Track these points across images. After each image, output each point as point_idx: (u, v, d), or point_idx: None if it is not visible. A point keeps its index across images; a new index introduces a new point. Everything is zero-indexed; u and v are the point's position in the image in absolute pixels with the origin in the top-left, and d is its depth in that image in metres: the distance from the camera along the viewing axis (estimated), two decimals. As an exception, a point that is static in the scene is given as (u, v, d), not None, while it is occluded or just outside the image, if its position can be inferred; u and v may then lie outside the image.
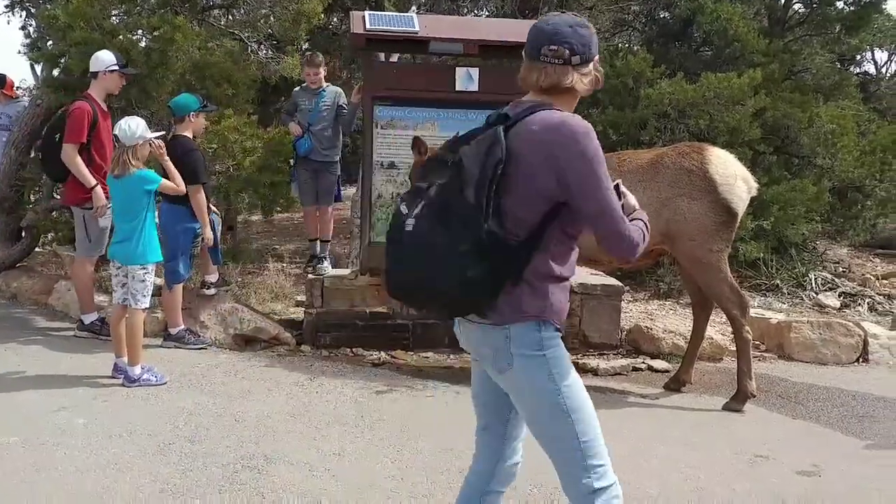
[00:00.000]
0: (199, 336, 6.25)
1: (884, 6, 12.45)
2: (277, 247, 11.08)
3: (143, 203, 5.13)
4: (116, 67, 6.19)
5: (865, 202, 10.45)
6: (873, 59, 22.74)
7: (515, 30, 7.03)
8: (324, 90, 7.30)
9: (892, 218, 11.85)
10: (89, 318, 6.31)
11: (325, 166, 7.38)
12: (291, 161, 7.60)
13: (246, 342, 6.35)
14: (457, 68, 6.64)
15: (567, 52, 2.33)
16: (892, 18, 16.88)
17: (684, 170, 5.30)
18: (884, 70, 23.37)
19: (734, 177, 5.29)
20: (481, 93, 6.55)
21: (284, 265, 9.24)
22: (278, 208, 8.63)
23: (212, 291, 6.57)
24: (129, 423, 4.53)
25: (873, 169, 10.15)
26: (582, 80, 2.38)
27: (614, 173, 5.47)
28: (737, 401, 5.28)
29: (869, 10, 11.96)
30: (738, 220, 5.44)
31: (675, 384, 5.71)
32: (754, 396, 5.30)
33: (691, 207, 5.24)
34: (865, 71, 21.57)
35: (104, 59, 6.17)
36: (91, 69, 6.21)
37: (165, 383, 5.24)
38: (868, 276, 10.07)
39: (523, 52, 2.44)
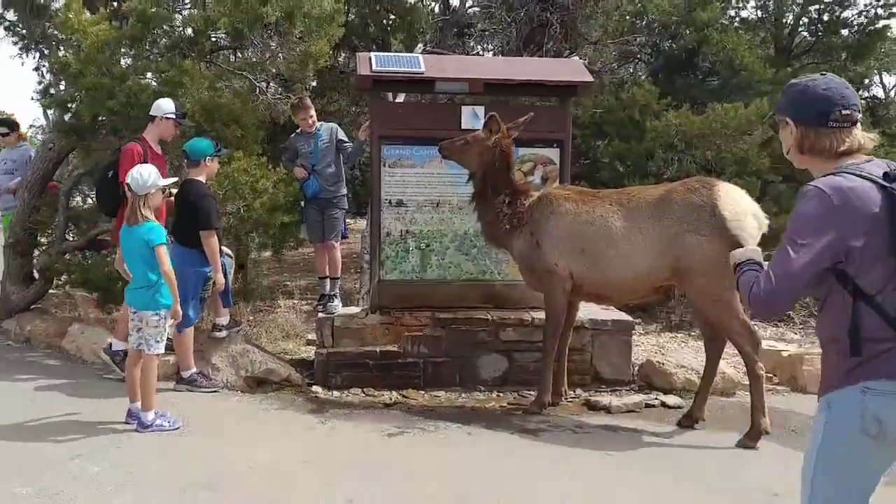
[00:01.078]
0: (211, 379, 6.27)
1: (889, 32, 12.48)
2: (288, 283, 11.12)
3: (153, 253, 5.16)
4: (173, 116, 6.41)
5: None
6: (881, 82, 22.79)
7: (518, 68, 7.12)
8: (319, 130, 7.47)
9: None
10: (117, 347, 6.39)
11: (332, 202, 7.52)
12: (301, 203, 7.69)
13: (257, 384, 6.36)
14: (462, 107, 6.70)
15: (857, 114, 2.39)
16: (891, 43, 16.92)
17: (694, 205, 5.28)
18: (892, 94, 23.41)
19: (744, 213, 5.24)
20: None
21: (295, 302, 9.28)
22: (289, 245, 8.69)
23: (222, 334, 6.59)
24: (143, 471, 4.53)
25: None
26: None
27: (622, 209, 5.50)
28: (750, 437, 5.23)
29: (874, 38, 12.01)
30: None
31: (688, 421, 5.66)
32: (768, 433, 5.25)
33: (701, 244, 5.21)
34: (874, 95, 21.59)
35: (164, 106, 6.41)
36: (150, 113, 6.44)
37: (178, 428, 5.24)
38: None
39: (791, 119, 2.46)
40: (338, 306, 7.12)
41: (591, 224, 5.60)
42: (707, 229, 5.21)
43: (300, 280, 11.59)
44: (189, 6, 8.67)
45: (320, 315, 6.75)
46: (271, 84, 8.87)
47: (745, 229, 5.18)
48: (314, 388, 6.35)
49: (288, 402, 6.03)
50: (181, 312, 5.42)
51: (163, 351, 5.38)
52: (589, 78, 6.78)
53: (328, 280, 7.59)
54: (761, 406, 5.30)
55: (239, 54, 8.92)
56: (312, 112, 7.47)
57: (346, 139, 7.47)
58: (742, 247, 5.16)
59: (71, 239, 8.01)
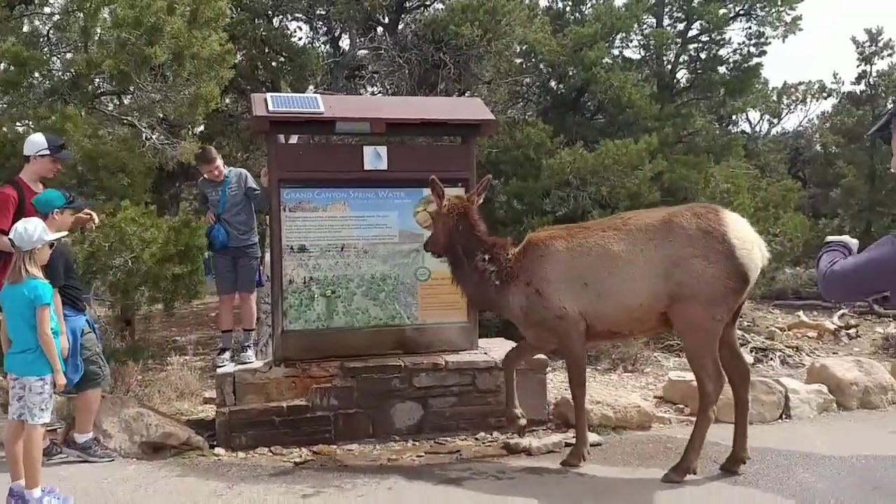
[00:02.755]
0: (107, 448, 5.71)
1: (761, 69, 13.18)
2: (179, 338, 10.57)
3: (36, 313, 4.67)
4: (47, 152, 5.74)
5: (763, 256, 10.80)
6: (747, 119, 24.14)
7: (421, 107, 7.02)
8: (227, 176, 6.97)
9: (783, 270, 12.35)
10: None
11: (243, 251, 7.01)
12: (206, 254, 7.17)
13: (154, 450, 5.87)
14: (364, 147, 6.52)
15: None
16: (763, 80, 17.94)
17: (702, 231, 5.08)
18: (758, 129, 24.83)
19: (752, 242, 5.12)
20: (390, 171, 6.46)
21: (188, 358, 8.77)
22: (182, 298, 8.19)
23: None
24: (28, 559, 4.03)
25: (768, 224, 10.54)
26: None
27: (619, 233, 5.30)
28: (677, 473, 5.15)
29: (749, 75, 12.63)
30: (748, 291, 5.27)
31: (735, 465, 5.31)
32: (694, 473, 5.20)
33: (707, 270, 5.02)
34: (742, 131, 22.83)
35: (35, 141, 5.76)
36: (24, 152, 5.79)
37: (68, 505, 4.74)
38: (773, 328, 10.36)
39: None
40: (251, 357, 6.67)
41: (587, 255, 5.35)
42: (714, 256, 5.02)
43: (191, 334, 11.06)
44: (68, 49, 8.17)
45: (219, 371, 6.32)
46: (156, 129, 8.45)
47: (752, 259, 5.08)
48: (217, 450, 5.92)
49: (189, 468, 5.58)
50: (63, 381, 4.92)
51: (48, 420, 4.86)
52: (491, 116, 6.74)
53: (241, 332, 7.10)
54: (698, 446, 5.22)
55: (124, 99, 8.46)
56: (219, 162, 6.97)
57: (255, 186, 7.02)
58: (747, 279, 5.13)
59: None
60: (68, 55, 7.94)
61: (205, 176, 7.05)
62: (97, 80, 7.65)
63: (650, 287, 5.17)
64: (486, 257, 5.59)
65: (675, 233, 5.15)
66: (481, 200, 5.79)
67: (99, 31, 7.68)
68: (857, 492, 4.95)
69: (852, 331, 10.73)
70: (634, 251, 5.22)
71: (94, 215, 5.96)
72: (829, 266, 2.76)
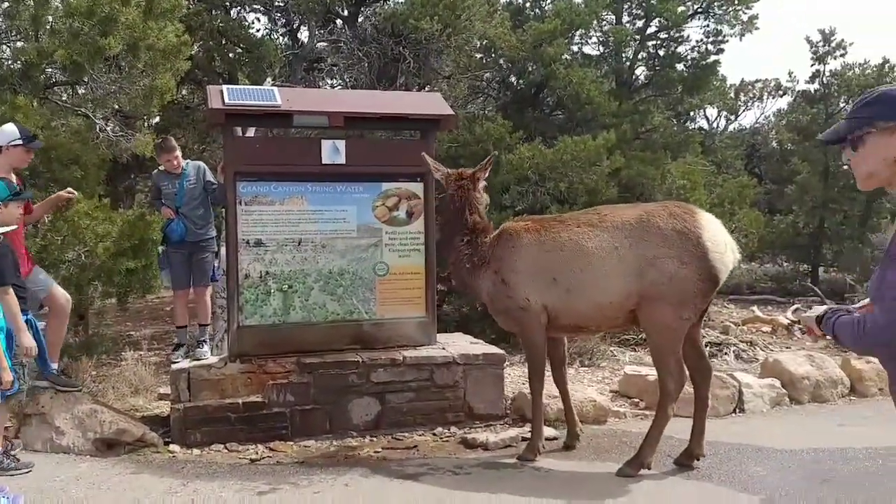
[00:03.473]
0: (18, 460, 5.36)
1: (718, 67, 13.34)
2: (133, 333, 10.40)
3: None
4: (20, 142, 5.60)
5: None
6: (705, 115, 24.46)
7: (380, 101, 7.00)
8: (185, 169, 6.87)
9: (738, 265, 12.53)
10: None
11: (200, 245, 6.93)
12: (161, 248, 7.00)
13: (108, 446, 5.77)
14: (322, 141, 6.47)
15: None
16: (720, 78, 18.17)
17: (677, 232, 5.10)
18: (715, 125, 25.17)
19: (725, 245, 5.16)
20: (349, 165, 6.42)
21: (142, 353, 8.63)
22: (136, 292, 8.05)
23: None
24: (-27, 561, 3.94)
25: (724, 220, 10.65)
26: None
27: (594, 229, 5.28)
28: (631, 467, 5.20)
29: (707, 72, 12.77)
30: (716, 291, 5.32)
31: (689, 459, 5.36)
32: (649, 468, 5.25)
33: (679, 271, 5.05)
34: (700, 127, 23.12)
35: (7, 131, 5.61)
36: None
37: (17, 505, 4.64)
38: (728, 323, 10.50)
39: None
40: (206, 353, 6.59)
41: (559, 250, 5.34)
42: (688, 257, 5.05)
43: (146, 329, 10.88)
44: (18, 38, 7.97)
45: (174, 367, 6.23)
46: (110, 121, 8.29)
47: (724, 262, 5.13)
48: (172, 447, 5.84)
49: (143, 465, 5.51)
50: (9, 379, 4.81)
51: (-5, 418, 4.77)
52: (450, 111, 6.73)
53: (197, 327, 7.00)
54: (654, 442, 5.27)
55: (77, 90, 8.28)
56: (178, 153, 6.88)
57: (213, 179, 6.91)
58: (717, 281, 5.16)
59: None
60: (18, 44, 7.74)
61: (161, 167, 6.92)
62: (49, 70, 7.47)
63: (622, 285, 5.19)
64: (465, 239, 5.62)
65: (650, 232, 5.17)
66: (486, 176, 5.78)
67: (50, 19, 7.52)
68: (806, 485, 5.05)
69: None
70: (609, 249, 5.23)
71: (76, 193, 5.86)
72: (859, 327, 2.41)
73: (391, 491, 4.98)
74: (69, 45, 6.79)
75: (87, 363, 7.44)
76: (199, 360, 6.34)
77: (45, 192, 6.90)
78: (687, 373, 5.41)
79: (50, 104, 7.55)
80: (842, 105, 16.66)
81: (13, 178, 5.63)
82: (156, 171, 7.08)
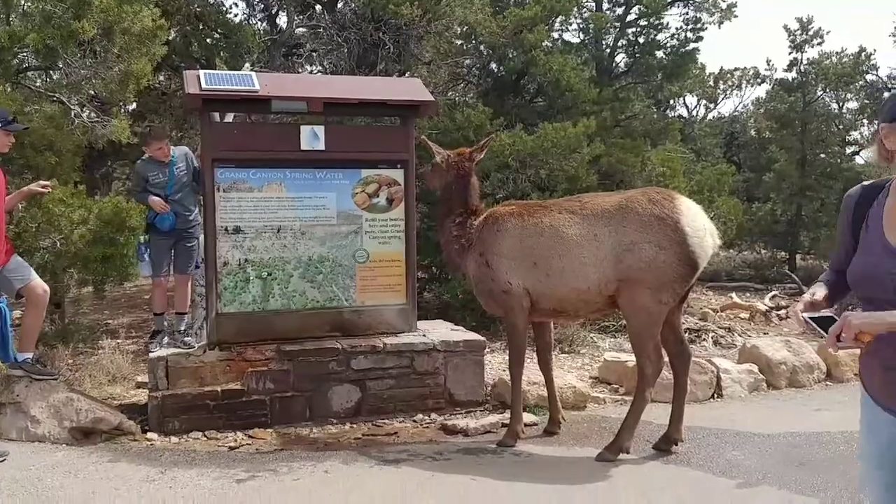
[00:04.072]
0: None
1: (697, 54, 13.38)
2: (110, 321, 10.31)
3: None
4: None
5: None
6: (684, 103, 24.57)
7: (360, 87, 6.94)
8: (174, 157, 6.63)
9: (717, 252, 12.62)
10: (24, 356, 5.75)
11: (187, 232, 6.72)
12: (143, 238, 6.73)
13: (85, 435, 5.71)
14: (301, 127, 6.41)
15: None
16: (700, 65, 18.24)
17: (655, 217, 5.12)
18: (694, 113, 25.29)
19: (703, 230, 5.17)
20: (328, 151, 6.38)
21: (120, 342, 8.55)
22: (112, 280, 7.96)
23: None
24: (-52, 550, 3.89)
25: (703, 207, 10.70)
26: None
27: (575, 216, 5.30)
28: (611, 451, 5.23)
29: (686, 60, 12.80)
30: (696, 276, 5.33)
31: (667, 444, 5.40)
32: (628, 452, 5.28)
33: (658, 256, 5.08)
34: (679, 115, 23.22)
35: None
36: None
37: (-8, 494, 4.59)
38: (706, 310, 10.58)
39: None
40: (192, 343, 6.50)
41: (540, 235, 5.39)
42: (666, 242, 5.08)
43: (123, 318, 10.78)
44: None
45: (152, 355, 6.16)
46: (86, 107, 8.17)
47: (703, 247, 5.15)
48: (149, 435, 5.79)
49: (121, 453, 5.45)
50: None
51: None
52: (430, 97, 6.70)
53: (174, 316, 6.89)
54: (633, 426, 5.31)
55: (51, 75, 8.15)
56: (167, 141, 6.68)
57: (198, 165, 6.75)
58: (697, 266, 5.16)
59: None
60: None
61: (146, 156, 6.66)
62: (22, 54, 7.34)
63: (600, 272, 5.24)
64: (457, 221, 5.69)
65: (629, 218, 5.20)
66: (481, 157, 5.83)
67: (22, 2, 7.39)
68: (783, 468, 5.09)
69: (783, 312, 11.02)
70: (588, 236, 5.28)
71: (50, 185, 5.76)
72: None
73: (372, 477, 4.97)
74: (42, 28, 6.68)
75: (64, 352, 7.37)
76: (186, 347, 6.26)
77: (18, 178, 6.80)
78: (666, 358, 5.46)
79: (23, 89, 7.42)
80: (819, 93, 16.78)
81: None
82: (141, 160, 6.72)
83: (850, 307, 2.57)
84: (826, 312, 2.46)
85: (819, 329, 2.37)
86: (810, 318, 2.40)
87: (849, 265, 2.50)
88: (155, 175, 6.58)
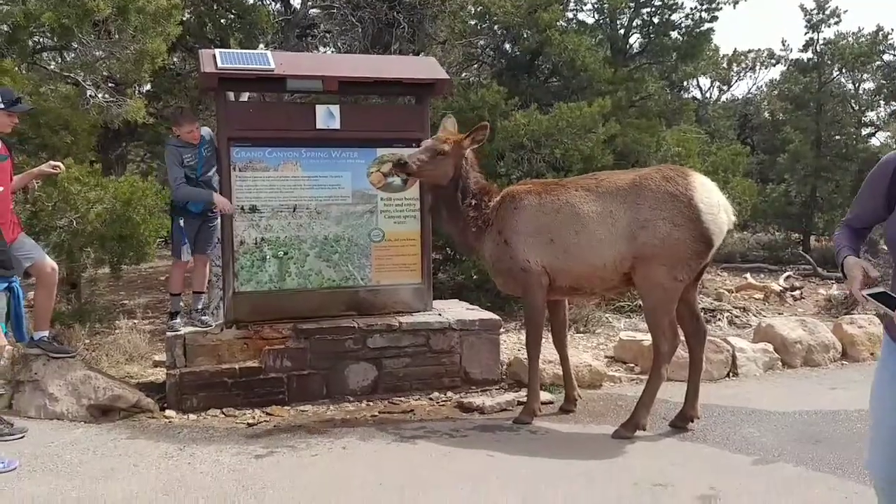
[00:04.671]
0: (12, 425, 5.38)
1: (712, 35, 13.27)
2: (127, 302, 10.37)
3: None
4: (1, 106, 5.34)
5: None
6: (698, 85, 24.40)
7: (375, 65, 6.92)
8: (203, 137, 6.44)
9: (731, 234, 12.56)
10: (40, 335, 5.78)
11: (210, 212, 6.53)
12: (180, 221, 6.45)
13: (103, 412, 5.76)
14: (317, 106, 6.40)
15: None
16: (714, 47, 18.08)
17: (669, 194, 5.14)
18: (708, 95, 25.12)
19: (717, 207, 5.17)
20: (343, 130, 6.37)
21: (136, 322, 8.62)
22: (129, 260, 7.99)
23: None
24: (-27, 523, 3.95)
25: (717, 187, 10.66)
26: None
27: (591, 194, 5.31)
28: (627, 429, 5.25)
29: (700, 40, 12.69)
30: (711, 253, 5.33)
31: (683, 422, 5.44)
32: (644, 429, 5.30)
33: (672, 233, 5.10)
34: (693, 97, 23.07)
35: None
36: None
37: (15, 469, 4.63)
38: (721, 290, 10.54)
39: None
40: (210, 322, 6.51)
41: (557, 212, 5.41)
42: (681, 219, 5.09)
43: (140, 298, 10.84)
44: (4, 2, 7.83)
45: (170, 333, 6.19)
46: (101, 87, 8.18)
47: (717, 224, 5.15)
48: (168, 412, 5.84)
49: (139, 430, 5.50)
50: (3, 343, 4.78)
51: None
52: (445, 76, 6.67)
53: (195, 295, 6.88)
54: (649, 403, 5.32)
55: (66, 55, 8.15)
56: (198, 124, 6.50)
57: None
58: (711, 243, 5.15)
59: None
60: (4, 7, 7.61)
61: (176, 138, 6.40)
62: (37, 35, 7.34)
63: (615, 248, 5.26)
64: (473, 203, 5.64)
65: (643, 195, 5.22)
66: (475, 146, 5.74)
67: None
68: (799, 445, 5.09)
69: (797, 292, 10.98)
70: (603, 213, 5.29)
71: (62, 166, 5.77)
72: None
73: (389, 452, 5.00)
74: (57, 7, 6.67)
75: (81, 331, 7.42)
76: (204, 326, 6.28)
77: (34, 158, 6.82)
78: (681, 336, 5.45)
79: (39, 70, 7.44)
80: (835, 74, 16.61)
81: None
82: (173, 144, 6.36)
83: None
84: (879, 287, 2.60)
85: (881, 305, 2.54)
86: (870, 294, 2.55)
87: (867, 223, 2.89)
88: (189, 158, 6.34)
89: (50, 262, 5.78)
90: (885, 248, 2.72)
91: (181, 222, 6.42)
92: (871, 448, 2.77)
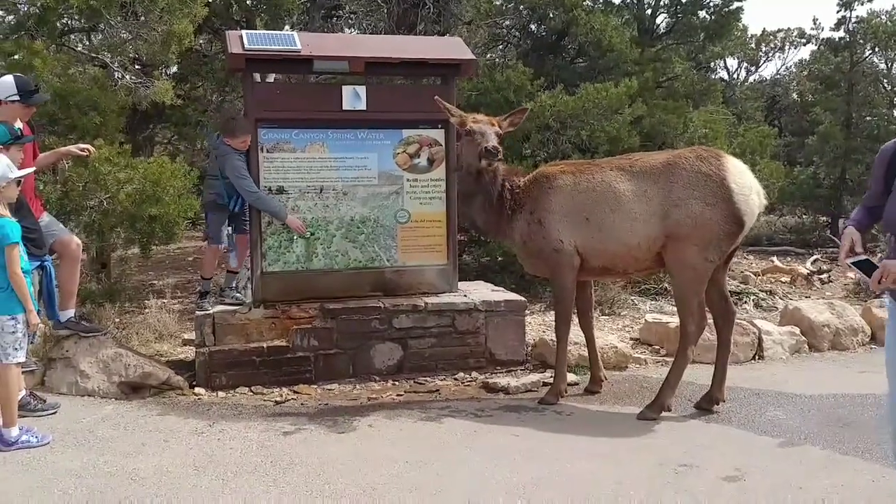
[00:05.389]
0: (45, 401, 5.46)
1: (742, 14, 13.10)
2: (156, 282, 10.48)
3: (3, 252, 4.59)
4: (17, 98, 5.34)
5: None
6: (725, 66, 24.09)
7: (401, 46, 6.90)
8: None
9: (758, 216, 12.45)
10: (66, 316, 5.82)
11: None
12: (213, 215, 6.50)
13: (133, 389, 5.86)
14: (343, 87, 6.41)
15: None
16: (742, 27, 17.84)
17: (702, 174, 5.18)
18: (735, 76, 24.81)
19: (749, 188, 5.20)
20: (369, 111, 6.38)
21: (166, 301, 8.72)
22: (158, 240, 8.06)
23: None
24: (12, 493, 4.04)
25: (745, 169, 10.56)
26: None
27: (625, 174, 5.33)
28: (652, 410, 5.26)
29: (729, 19, 12.54)
30: (742, 235, 5.35)
31: (709, 404, 5.43)
32: (669, 410, 5.31)
33: (704, 213, 5.14)
34: (721, 77, 22.80)
35: (4, 85, 5.36)
36: None
37: (48, 443, 4.73)
38: (747, 273, 10.47)
39: None
40: (242, 297, 6.59)
41: (592, 190, 5.43)
42: (713, 199, 5.13)
43: (169, 278, 10.95)
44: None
45: (199, 312, 6.26)
46: (128, 69, 8.24)
47: (749, 205, 5.18)
48: (197, 390, 5.93)
49: (169, 407, 5.60)
50: (36, 321, 4.86)
51: (23, 360, 4.84)
52: (471, 56, 6.66)
53: (229, 274, 6.92)
54: (674, 384, 5.35)
55: (93, 37, 8.22)
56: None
57: None
58: (743, 224, 5.18)
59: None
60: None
61: (230, 147, 6.16)
62: (66, 17, 7.41)
63: (649, 227, 5.28)
64: (507, 185, 5.63)
65: (676, 175, 5.25)
66: (511, 129, 5.81)
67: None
68: (826, 428, 5.07)
69: (825, 276, 10.88)
70: (638, 192, 5.32)
71: (92, 149, 5.82)
72: None
73: (416, 431, 5.05)
74: (85, -12, 6.73)
75: (111, 310, 7.53)
76: (239, 302, 6.40)
77: (63, 139, 6.90)
78: (709, 318, 5.45)
79: (67, 51, 7.51)
80: (867, 53, 16.34)
81: (17, 122, 5.43)
82: (235, 157, 6.14)
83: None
84: (862, 256, 3.05)
85: (860, 272, 3.04)
86: (852, 262, 3.01)
87: (876, 202, 3.23)
88: (239, 161, 6.19)
89: (73, 238, 5.84)
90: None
91: (214, 215, 6.48)
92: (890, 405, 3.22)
